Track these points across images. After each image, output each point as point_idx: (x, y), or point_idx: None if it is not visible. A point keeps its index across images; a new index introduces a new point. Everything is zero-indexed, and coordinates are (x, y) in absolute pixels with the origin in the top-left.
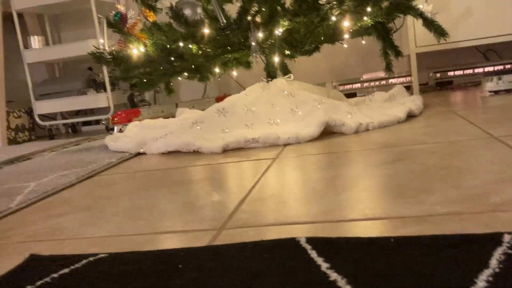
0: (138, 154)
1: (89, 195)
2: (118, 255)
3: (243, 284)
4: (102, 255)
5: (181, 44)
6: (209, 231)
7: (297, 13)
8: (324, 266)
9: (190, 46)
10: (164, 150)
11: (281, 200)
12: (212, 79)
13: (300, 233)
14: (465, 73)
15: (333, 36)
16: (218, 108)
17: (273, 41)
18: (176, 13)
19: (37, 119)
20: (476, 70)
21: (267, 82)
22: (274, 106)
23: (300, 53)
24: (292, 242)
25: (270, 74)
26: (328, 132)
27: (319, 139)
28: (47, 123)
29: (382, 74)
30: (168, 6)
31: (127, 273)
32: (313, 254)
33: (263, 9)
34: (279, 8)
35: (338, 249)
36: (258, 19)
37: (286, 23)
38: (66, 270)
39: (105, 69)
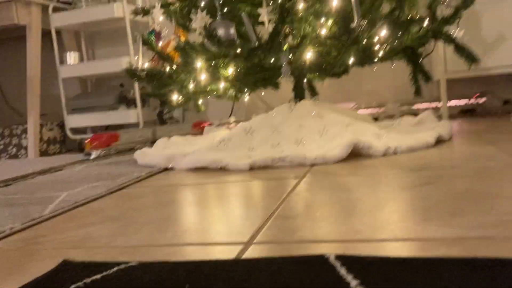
0: (166, 169)
1: (119, 206)
2: (148, 264)
3: None
4: (133, 264)
5: (212, 63)
6: (236, 245)
7: (328, 36)
8: (353, 283)
9: (221, 65)
10: (192, 166)
11: (309, 219)
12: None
13: (328, 251)
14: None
15: (363, 59)
16: (245, 127)
17: (303, 63)
18: (210, 33)
19: (68, 132)
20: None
21: (295, 103)
22: (301, 127)
23: (329, 75)
24: (321, 259)
25: (298, 95)
26: (355, 154)
27: (346, 160)
28: (77, 137)
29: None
30: (201, 26)
31: (157, 282)
32: (342, 271)
33: (295, 31)
34: (310, 30)
35: (368, 267)
36: (289, 40)
37: (317, 45)
38: (98, 276)
39: (136, 86)
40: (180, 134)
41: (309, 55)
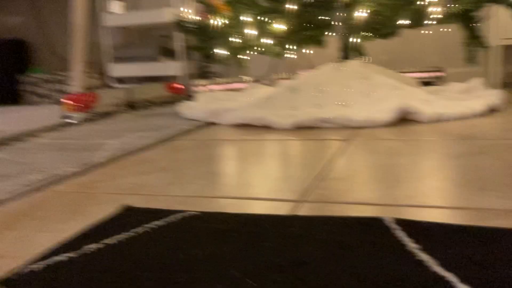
0: (210, 123)
1: (167, 157)
2: (208, 214)
3: (331, 254)
4: (194, 212)
5: (262, 18)
6: (290, 202)
7: None
8: (413, 247)
9: (269, 21)
10: (236, 122)
11: (359, 181)
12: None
13: (381, 214)
14: None
15: (416, 21)
16: (289, 85)
17: (355, 22)
18: None
19: (109, 81)
20: None
21: (341, 63)
22: (346, 88)
23: (379, 36)
24: (379, 221)
25: (345, 55)
26: (402, 118)
27: (394, 125)
28: (118, 86)
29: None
30: None
31: (220, 231)
32: (401, 234)
33: None
34: None
35: (426, 232)
36: None
37: (371, 4)
38: (161, 222)
39: (178, 38)
40: (156, 95)
41: (361, 14)
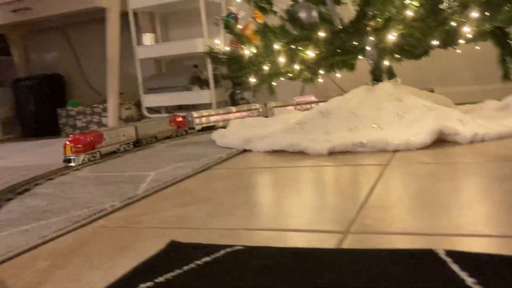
0: (245, 150)
1: (207, 187)
2: (254, 248)
3: None
4: (239, 247)
5: (292, 46)
6: (334, 233)
7: (415, 18)
8: (469, 281)
9: (300, 48)
10: (270, 149)
11: (404, 209)
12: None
13: (431, 245)
14: None
15: (448, 40)
16: (321, 110)
17: (385, 45)
18: (291, 15)
19: (144, 111)
20: None
21: (373, 85)
22: (379, 110)
23: (410, 57)
24: (430, 254)
25: (376, 78)
26: (439, 140)
27: (430, 147)
28: (153, 116)
29: (312, 97)
30: (283, 9)
31: (267, 267)
32: (455, 267)
33: (380, 14)
34: (396, 12)
35: (481, 264)
36: (372, 23)
37: (401, 27)
38: (208, 259)
39: (209, 67)
40: (160, 131)
41: (391, 37)
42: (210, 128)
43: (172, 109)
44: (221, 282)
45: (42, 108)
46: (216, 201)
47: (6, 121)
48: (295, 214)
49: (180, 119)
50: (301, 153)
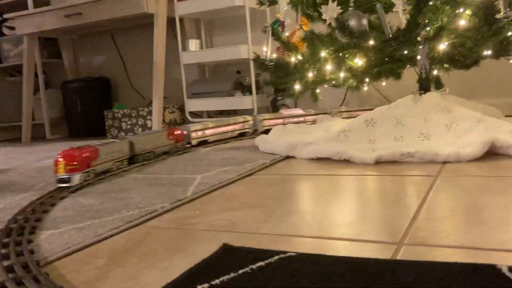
0: (288, 157)
1: (253, 193)
2: (307, 255)
3: None
4: (292, 253)
5: (340, 54)
6: (388, 244)
7: (468, 27)
8: None
9: (348, 56)
10: (314, 156)
11: (458, 222)
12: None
13: (488, 260)
14: None
15: (501, 51)
16: (366, 118)
17: (436, 54)
18: (341, 23)
19: (187, 115)
20: None
21: (420, 95)
22: (426, 120)
23: (460, 67)
24: (492, 269)
25: (424, 87)
26: (489, 152)
27: (480, 159)
28: (196, 120)
29: (300, 111)
30: (332, 17)
31: (321, 275)
32: None
33: (432, 23)
34: (448, 21)
35: None
36: (424, 32)
37: (453, 36)
38: (262, 263)
39: (252, 73)
40: (158, 144)
41: (442, 46)
42: (205, 142)
43: (214, 114)
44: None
45: (89, 110)
46: (264, 207)
47: (54, 121)
48: (346, 224)
49: (179, 132)
50: (346, 162)
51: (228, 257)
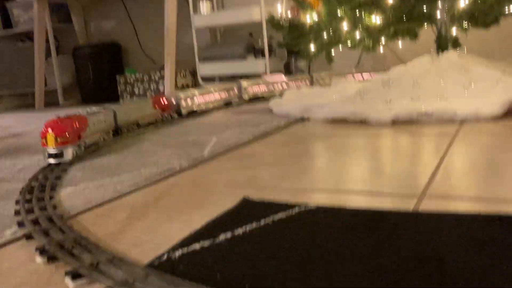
0: (302, 119)
1: (270, 152)
2: (326, 208)
3: (470, 252)
4: (311, 207)
5: (357, 11)
6: (408, 197)
7: None
8: None
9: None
10: (330, 117)
11: (479, 177)
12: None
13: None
14: None
15: None
16: (382, 79)
17: (457, 11)
18: None
19: (199, 80)
20: None
21: (437, 55)
22: (444, 80)
23: (480, 25)
24: None
25: (442, 47)
26: (507, 112)
27: (499, 119)
28: (207, 85)
29: (282, 77)
30: None
31: (342, 226)
32: None
33: None
34: None
35: None
36: None
37: None
38: (282, 215)
39: (265, 36)
40: (141, 114)
41: (462, 2)
42: (195, 112)
43: (226, 79)
44: (297, 238)
45: (100, 75)
46: (281, 165)
47: (66, 87)
48: (364, 179)
49: (166, 101)
50: (361, 123)
51: (248, 209)
